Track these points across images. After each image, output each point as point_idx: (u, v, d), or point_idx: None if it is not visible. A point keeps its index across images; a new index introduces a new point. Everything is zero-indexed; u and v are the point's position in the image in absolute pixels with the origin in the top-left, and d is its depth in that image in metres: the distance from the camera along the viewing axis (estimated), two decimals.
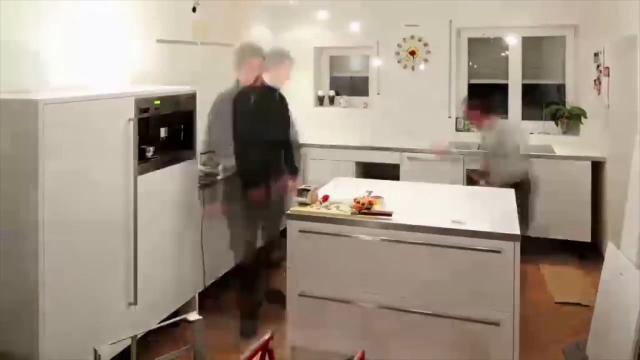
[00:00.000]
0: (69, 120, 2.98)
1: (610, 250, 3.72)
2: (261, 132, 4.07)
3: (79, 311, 3.09)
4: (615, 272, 3.49)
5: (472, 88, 6.72)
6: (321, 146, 6.40)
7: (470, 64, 6.75)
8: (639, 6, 4.13)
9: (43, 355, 2.87)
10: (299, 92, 7.12)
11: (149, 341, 3.74)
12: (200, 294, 4.32)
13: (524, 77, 6.52)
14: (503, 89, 6.58)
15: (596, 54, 5.72)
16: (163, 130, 3.96)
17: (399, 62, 6.78)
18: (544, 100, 6.42)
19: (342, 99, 7.17)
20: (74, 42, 3.81)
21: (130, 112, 3.45)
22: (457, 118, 6.56)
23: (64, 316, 2.99)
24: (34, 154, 2.78)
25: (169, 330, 4.01)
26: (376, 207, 3.50)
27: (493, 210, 3.64)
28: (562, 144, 6.06)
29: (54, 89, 3.54)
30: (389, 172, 6.17)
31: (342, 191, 3.91)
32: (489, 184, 4.73)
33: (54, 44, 3.64)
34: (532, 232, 5.58)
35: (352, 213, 3.44)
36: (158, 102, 3.73)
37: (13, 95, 3.00)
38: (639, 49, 4.22)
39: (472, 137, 6.41)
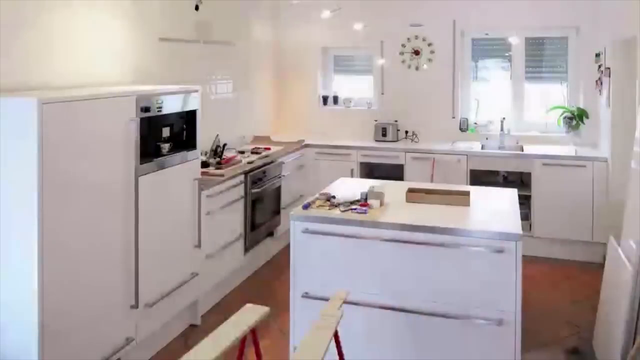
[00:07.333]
0: (70, 120, 2.97)
1: (611, 245, 3.74)
2: None
3: (80, 314, 3.08)
4: (616, 268, 3.51)
5: None
6: (325, 146, 6.41)
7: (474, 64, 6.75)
8: (639, 7, 4.14)
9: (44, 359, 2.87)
10: (304, 91, 7.16)
11: (150, 344, 3.76)
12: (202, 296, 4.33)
13: (526, 77, 6.50)
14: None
15: (597, 55, 5.73)
16: (165, 130, 3.96)
17: (403, 61, 6.78)
18: (546, 101, 6.40)
19: (346, 99, 7.16)
20: (76, 41, 3.80)
21: (132, 112, 3.45)
22: (461, 118, 6.55)
23: (65, 319, 2.97)
24: (34, 154, 2.77)
25: (172, 332, 4.03)
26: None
27: (495, 209, 3.63)
28: (564, 143, 6.07)
29: (54, 88, 3.55)
30: (394, 172, 6.19)
31: (347, 191, 3.92)
32: None
33: (55, 43, 3.63)
34: (535, 232, 5.60)
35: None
36: (160, 101, 3.73)
37: (13, 94, 3.00)
38: (639, 49, 4.23)
39: (476, 137, 6.43)
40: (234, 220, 4.78)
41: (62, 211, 2.94)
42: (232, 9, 5.93)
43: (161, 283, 3.77)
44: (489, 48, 6.78)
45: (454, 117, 6.59)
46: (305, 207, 3.56)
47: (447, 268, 3.20)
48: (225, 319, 2.61)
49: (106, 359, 3.27)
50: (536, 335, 4.03)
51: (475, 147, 6.14)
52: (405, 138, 6.64)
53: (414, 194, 3.76)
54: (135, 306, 3.48)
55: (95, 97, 3.20)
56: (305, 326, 3.48)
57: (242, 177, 4.86)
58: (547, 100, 6.40)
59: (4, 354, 2.87)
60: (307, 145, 6.41)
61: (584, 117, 6.02)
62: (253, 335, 2.62)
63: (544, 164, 5.63)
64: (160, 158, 3.78)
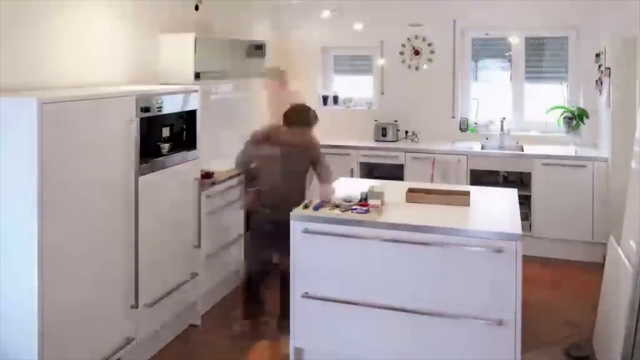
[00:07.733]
0: (69, 120, 2.97)
1: (611, 245, 3.74)
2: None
3: (80, 314, 3.08)
4: (616, 268, 3.51)
5: None
6: (325, 146, 6.38)
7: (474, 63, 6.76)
8: (639, 7, 4.14)
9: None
10: (304, 91, 7.14)
11: (150, 344, 3.76)
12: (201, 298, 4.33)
13: (526, 77, 6.50)
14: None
15: (598, 55, 5.73)
16: (165, 130, 3.95)
17: (403, 61, 6.78)
18: (546, 101, 6.40)
19: (346, 99, 7.15)
20: (75, 41, 3.79)
21: (132, 112, 3.44)
22: (461, 118, 6.55)
23: (65, 319, 2.98)
24: (34, 154, 2.76)
25: (172, 332, 4.03)
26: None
27: (495, 209, 3.63)
28: (564, 143, 6.07)
29: (54, 88, 3.54)
30: (394, 172, 6.18)
31: (347, 191, 3.91)
32: None
33: (55, 43, 3.62)
34: (535, 232, 5.60)
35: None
36: (160, 101, 3.73)
37: (13, 94, 3.00)
38: (639, 49, 4.23)
39: (476, 137, 6.43)
40: (234, 220, 4.78)
41: (62, 211, 2.94)
42: (232, 9, 5.92)
43: (161, 283, 3.77)
44: (489, 48, 6.79)
45: (454, 117, 6.59)
46: (316, 208, 3.55)
47: (447, 268, 3.20)
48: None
49: (106, 359, 3.27)
50: (536, 335, 4.03)
51: (475, 147, 6.14)
52: (405, 138, 6.64)
53: (414, 194, 3.76)
54: (135, 306, 3.48)
55: (95, 97, 3.20)
56: (305, 326, 3.49)
57: (241, 177, 4.84)
58: (547, 100, 6.39)
59: (4, 354, 2.87)
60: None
61: (584, 117, 6.01)
62: None
63: (544, 164, 5.63)
64: (160, 158, 3.78)
